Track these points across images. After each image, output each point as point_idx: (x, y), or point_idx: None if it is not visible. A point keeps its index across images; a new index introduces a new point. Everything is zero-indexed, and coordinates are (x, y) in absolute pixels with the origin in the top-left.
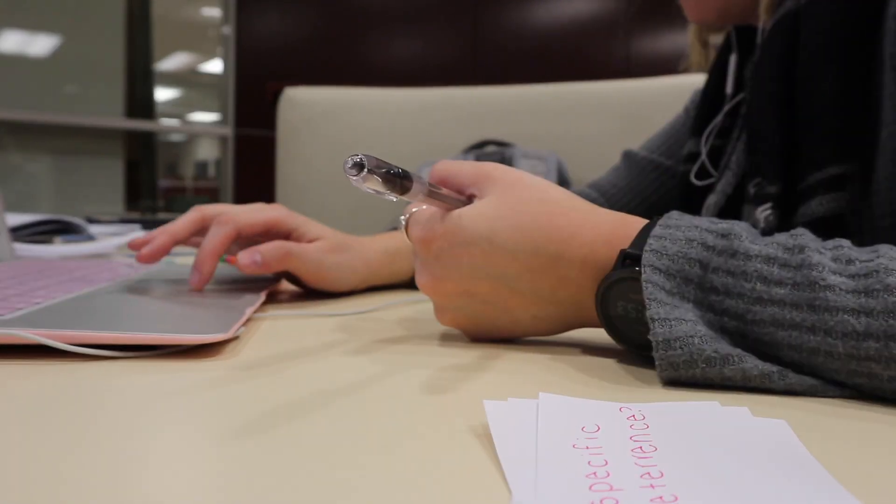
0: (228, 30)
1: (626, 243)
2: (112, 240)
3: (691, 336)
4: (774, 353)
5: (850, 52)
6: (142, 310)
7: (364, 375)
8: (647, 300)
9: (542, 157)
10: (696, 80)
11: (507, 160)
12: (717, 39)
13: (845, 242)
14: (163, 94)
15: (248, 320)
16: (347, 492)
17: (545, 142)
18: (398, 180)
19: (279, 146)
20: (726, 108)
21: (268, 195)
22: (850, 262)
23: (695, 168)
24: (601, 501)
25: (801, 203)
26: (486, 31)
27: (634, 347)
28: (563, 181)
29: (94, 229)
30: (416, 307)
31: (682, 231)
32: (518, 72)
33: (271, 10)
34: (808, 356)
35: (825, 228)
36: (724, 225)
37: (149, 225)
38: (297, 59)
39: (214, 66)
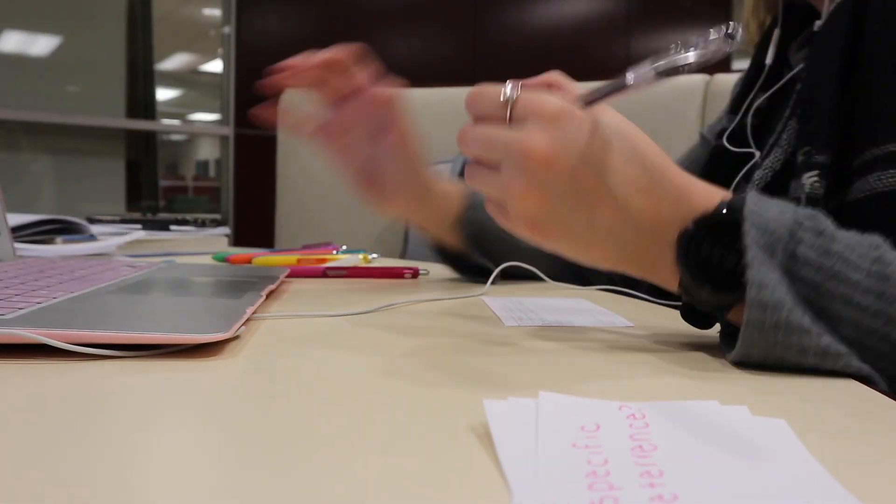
0: (229, 30)
1: (717, 199)
2: (113, 239)
3: (782, 306)
4: (834, 326)
5: None
6: (142, 309)
7: (364, 375)
8: (748, 255)
9: None
10: (694, 80)
11: None
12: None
13: None
14: (163, 93)
15: (248, 320)
16: (347, 492)
17: None
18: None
19: (279, 146)
20: (776, 86)
21: (268, 194)
22: None
23: (726, 134)
24: (601, 500)
25: (856, 177)
26: (486, 31)
27: (694, 294)
28: None
29: (95, 229)
30: (415, 307)
31: (775, 203)
32: (518, 72)
33: (271, 10)
34: (864, 336)
35: (882, 204)
36: (811, 210)
37: (150, 225)
38: None
39: (215, 65)
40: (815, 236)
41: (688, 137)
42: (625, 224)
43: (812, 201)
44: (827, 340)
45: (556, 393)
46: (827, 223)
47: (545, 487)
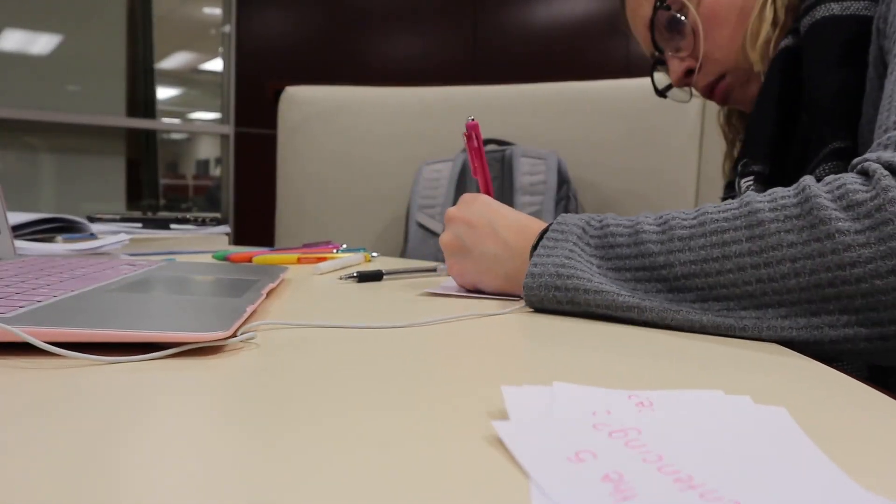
0: (229, 29)
1: None
2: (113, 238)
3: (558, 266)
4: (635, 264)
5: (848, 58)
6: (142, 308)
7: (363, 374)
8: (545, 238)
9: (543, 156)
10: None
11: (507, 159)
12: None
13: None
14: (164, 92)
15: (248, 319)
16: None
17: (545, 141)
18: None
19: (280, 144)
20: None
21: (268, 193)
22: (666, 222)
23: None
24: (616, 488)
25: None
26: (486, 31)
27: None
28: (562, 180)
29: (95, 228)
30: (416, 304)
31: (573, 217)
32: (518, 71)
33: (272, 9)
34: (658, 270)
35: None
36: (600, 217)
37: (150, 223)
38: (298, 58)
39: (215, 64)
40: (598, 222)
41: (688, 136)
42: (505, 251)
43: None
44: (588, 286)
45: (569, 383)
46: (607, 217)
47: (562, 472)
